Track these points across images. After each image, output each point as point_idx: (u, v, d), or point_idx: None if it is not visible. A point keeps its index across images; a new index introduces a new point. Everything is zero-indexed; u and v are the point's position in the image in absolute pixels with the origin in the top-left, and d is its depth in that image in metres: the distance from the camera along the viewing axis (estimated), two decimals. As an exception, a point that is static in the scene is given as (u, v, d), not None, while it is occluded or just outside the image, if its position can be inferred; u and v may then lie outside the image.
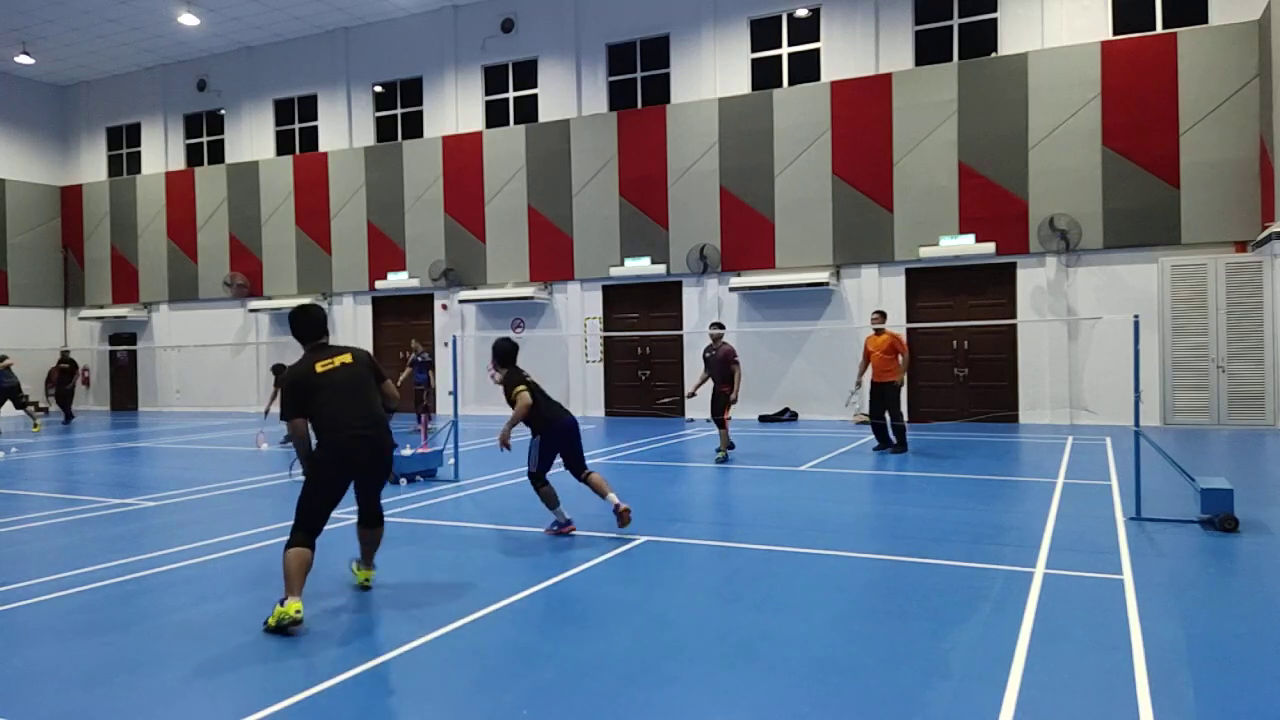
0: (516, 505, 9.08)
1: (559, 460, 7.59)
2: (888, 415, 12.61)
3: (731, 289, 18.31)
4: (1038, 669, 4.28)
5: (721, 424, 12.26)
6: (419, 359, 17.26)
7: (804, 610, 5.32)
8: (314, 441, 5.45)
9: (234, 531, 7.87)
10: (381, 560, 6.92)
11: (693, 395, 13.43)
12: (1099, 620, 4.99)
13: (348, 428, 5.38)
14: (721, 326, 12.95)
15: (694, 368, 18.95)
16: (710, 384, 12.56)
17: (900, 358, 12.62)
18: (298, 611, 4.95)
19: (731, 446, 12.58)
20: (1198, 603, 5.39)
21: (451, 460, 10.86)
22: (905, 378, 12.84)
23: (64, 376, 22.89)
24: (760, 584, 5.95)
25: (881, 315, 12.88)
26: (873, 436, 13.15)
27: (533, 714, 3.91)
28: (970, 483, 9.90)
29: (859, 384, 13.13)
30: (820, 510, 8.60)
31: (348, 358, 5.56)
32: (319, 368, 5.46)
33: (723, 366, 12.19)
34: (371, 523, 5.91)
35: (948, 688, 4.11)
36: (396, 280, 21.62)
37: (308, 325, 5.66)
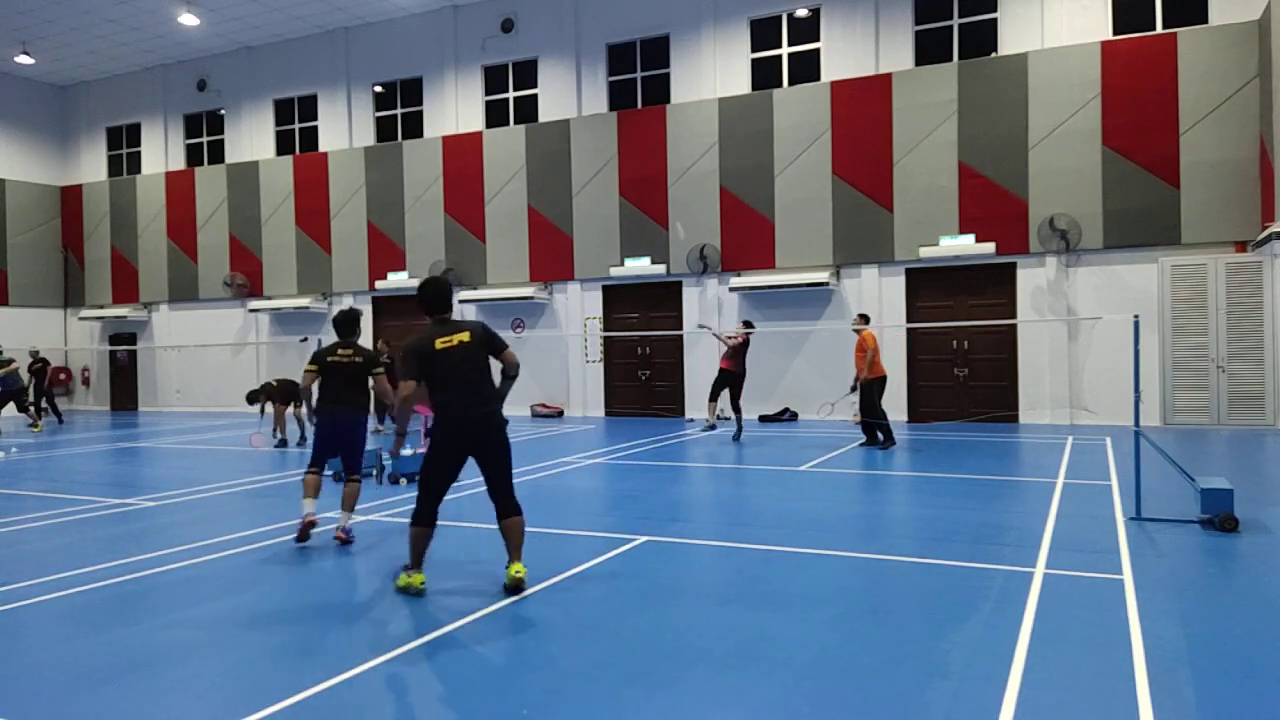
0: (516, 505, 9.07)
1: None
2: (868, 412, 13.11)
3: (731, 289, 18.31)
4: (1038, 669, 4.28)
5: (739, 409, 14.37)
6: (388, 360, 17.33)
7: (804, 610, 5.32)
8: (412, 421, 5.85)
9: (234, 531, 7.87)
10: (381, 560, 6.94)
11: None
12: (1099, 620, 4.99)
13: (459, 405, 5.58)
14: (751, 325, 14.97)
15: (694, 368, 18.97)
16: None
17: (865, 355, 13.05)
18: (421, 583, 5.67)
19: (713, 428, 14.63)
20: (1198, 603, 5.39)
21: (451, 460, 10.85)
22: (864, 375, 13.05)
23: (38, 378, 21.93)
24: (760, 584, 5.95)
25: (861, 318, 13.51)
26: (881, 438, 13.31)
27: (533, 714, 3.91)
28: (970, 483, 9.90)
29: (854, 387, 13.54)
30: (820, 510, 8.60)
31: (465, 336, 5.69)
32: (438, 344, 5.64)
33: (736, 350, 14.13)
34: (506, 512, 5.77)
35: (948, 688, 4.11)
36: (396, 280, 21.62)
37: (435, 298, 5.85)
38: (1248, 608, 5.26)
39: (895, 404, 17.42)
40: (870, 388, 12.95)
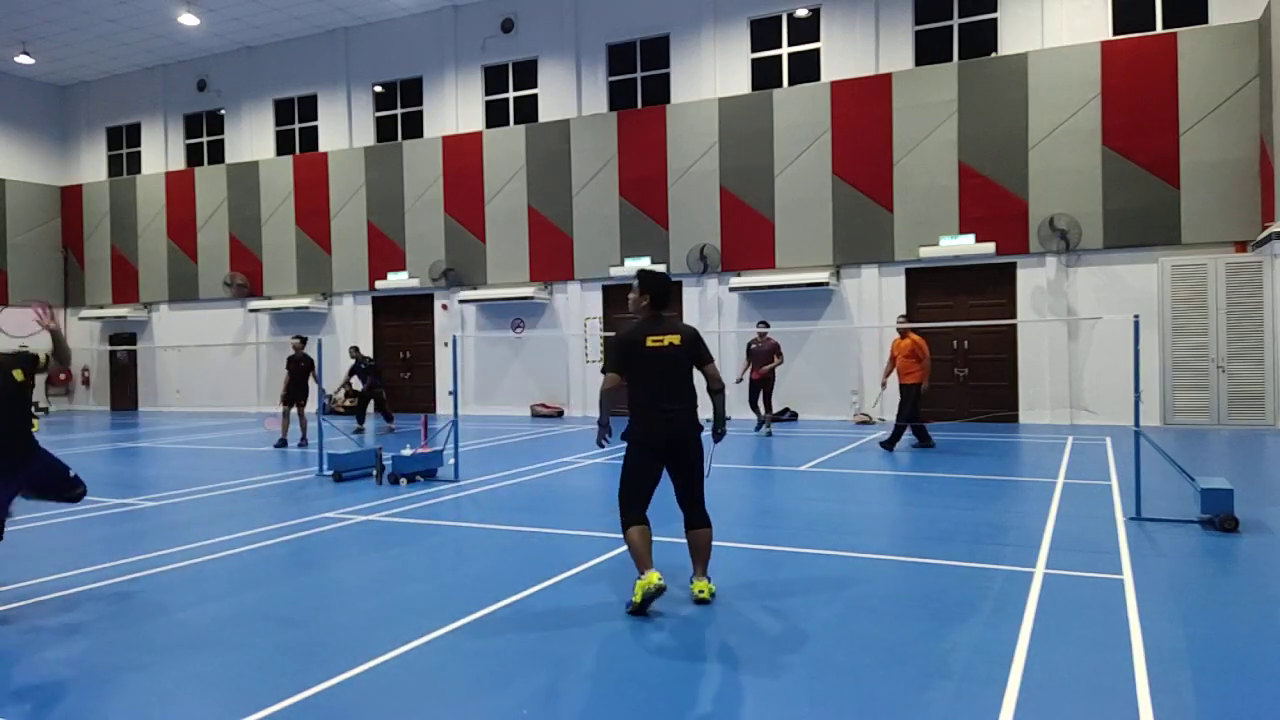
0: (516, 505, 9.08)
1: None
2: (899, 413, 12.79)
3: (731, 289, 18.31)
4: (1038, 669, 4.28)
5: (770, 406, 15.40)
6: (360, 367, 17.39)
7: (804, 610, 5.32)
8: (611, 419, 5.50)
9: (234, 531, 7.87)
10: (381, 560, 6.94)
11: (740, 381, 15.78)
12: (1099, 620, 4.99)
13: (655, 407, 5.41)
14: (767, 325, 15.76)
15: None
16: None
17: (921, 361, 12.62)
18: (659, 578, 5.17)
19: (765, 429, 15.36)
20: (1198, 603, 5.39)
21: (451, 460, 10.86)
22: (926, 382, 12.78)
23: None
24: (760, 583, 5.95)
25: (904, 318, 13.40)
26: (924, 443, 12.94)
27: (533, 714, 3.91)
28: (970, 483, 9.90)
29: (884, 385, 13.90)
30: (820, 510, 8.60)
31: (676, 338, 5.50)
32: (649, 341, 5.46)
33: (767, 358, 15.38)
34: (694, 523, 5.54)
35: (948, 688, 4.11)
36: (396, 280, 21.62)
37: (659, 293, 5.63)
38: (1248, 608, 5.26)
39: (896, 405, 17.40)
40: (917, 392, 12.65)
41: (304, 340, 15.17)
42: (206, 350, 24.16)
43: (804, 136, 17.93)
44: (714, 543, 6.89)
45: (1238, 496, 7.34)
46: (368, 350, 21.27)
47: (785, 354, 18.30)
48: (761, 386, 15.42)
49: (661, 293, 5.64)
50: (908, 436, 13.29)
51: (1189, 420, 15.23)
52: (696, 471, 5.53)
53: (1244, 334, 14.93)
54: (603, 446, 5.55)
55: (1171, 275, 15.35)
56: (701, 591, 5.43)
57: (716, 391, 5.54)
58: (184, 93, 24.72)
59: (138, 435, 17.91)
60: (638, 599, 5.17)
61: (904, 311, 13.55)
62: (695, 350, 5.54)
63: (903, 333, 12.84)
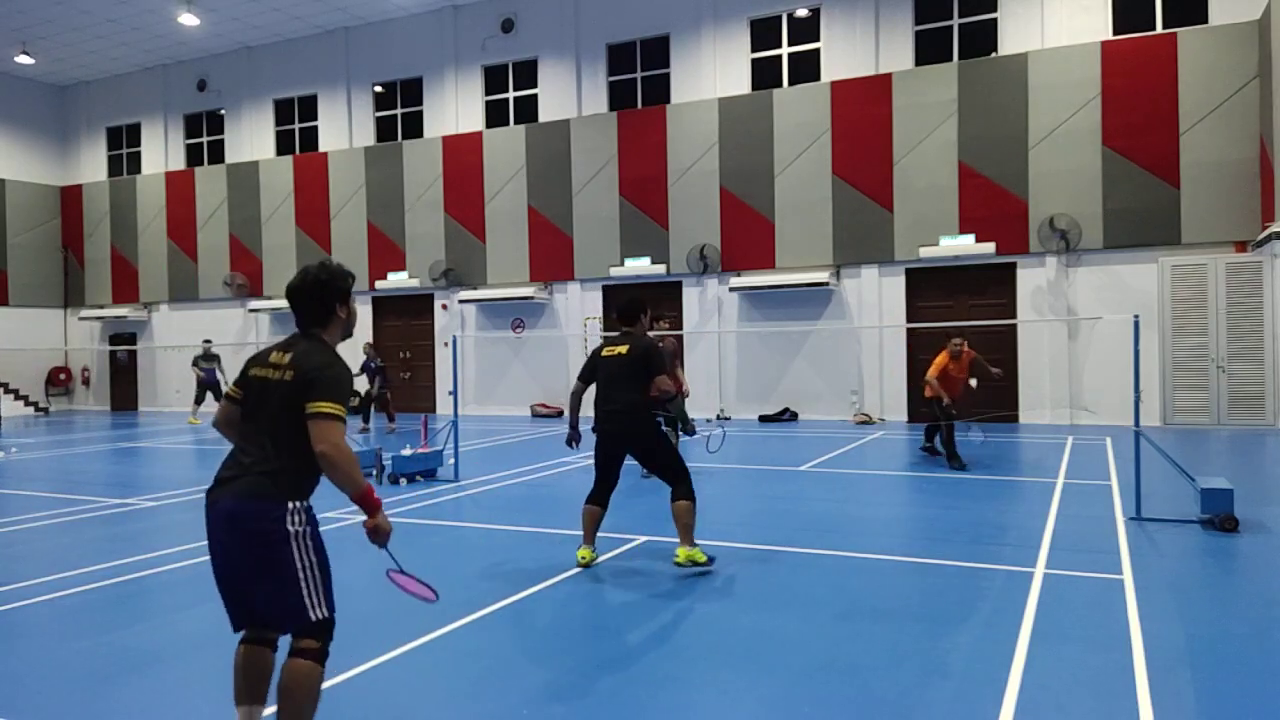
0: (516, 505, 9.08)
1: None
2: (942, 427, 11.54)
3: (731, 289, 18.30)
4: (1038, 669, 4.28)
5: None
6: (371, 365, 17.42)
7: (804, 610, 5.32)
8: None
9: (234, 531, 7.85)
10: (378, 560, 6.92)
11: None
12: (1099, 620, 4.99)
13: (603, 405, 6.36)
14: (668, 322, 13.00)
15: (694, 367, 18.96)
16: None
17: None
18: (583, 558, 6.32)
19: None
20: (1198, 603, 5.39)
21: (451, 460, 10.86)
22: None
23: None
24: (760, 583, 5.95)
25: (962, 338, 11.62)
26: (929, 451, 12.18)
27: (532, 714, 3.91)
28: (970, 483, 9.90)
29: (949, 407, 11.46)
30: (820, 510, 8.60)
31: (624, 349, 6.37)
32: (605, 351, 6.48)
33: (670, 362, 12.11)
34: (672, 496, 6.25)
35: (948, 688, 4.11)
36: (396, 280, 21.62)
37: (622, 312, 6.55)
38: (1248, 608, 5.26)
39: (896, 404, 17.43)
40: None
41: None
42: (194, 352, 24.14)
43: (804, 136, 17.93)
44: (715, 542, 6.90)
45: (1238, 496, 7.33)
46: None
47: (785, 355, 18.32)
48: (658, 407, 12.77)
49: (621, 314, 6.59)
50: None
51: (1189, 420, 15.23)
52: (655, 456, 6.36)
53: (1244, 334, 14.93)
54: (572, 447, 6.63)
55: (1171, 275, 15.34)
56: (676, 556, 6.21)
57: (660, 397, 6.38)
58: (184, 93, 24.72)
59: (137, 435, 17.91)
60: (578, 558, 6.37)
61: (960, 337, 11.65)
62: (645, 360, 6.31)
63: (958, 353, 11.46)
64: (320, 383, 3.13)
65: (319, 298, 3.37)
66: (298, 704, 3.10)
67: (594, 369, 6.49)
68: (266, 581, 3.12)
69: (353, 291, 3.50)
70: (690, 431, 7.66)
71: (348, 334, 3.53)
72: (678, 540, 6.34)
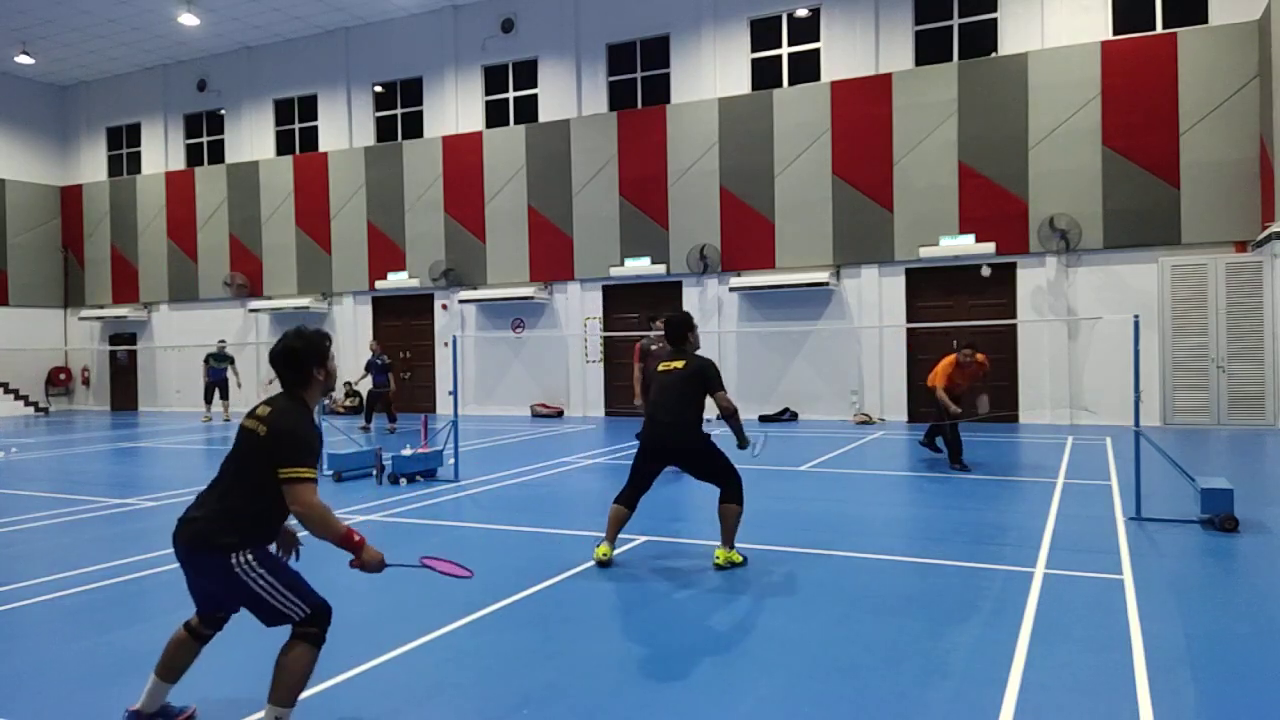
0: (516, 505, 9.08)
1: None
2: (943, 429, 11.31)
3: (731, 289, 18.31)
4: (1038, 669, 4.28)
5: None
6: (376, 362, 17.41)
7: (804, 610, 5.32)
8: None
9: (234, 531, 7.86)
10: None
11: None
12: (1099, 620, 4.99)
13: (653, 418, 6.55)
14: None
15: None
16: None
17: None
18: (603, 554, 6.37)
19: None
20: (1198, 603, 5.39)
21: (451, 460, 10.86)
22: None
23: None
24: (760, 583, 5.95)
25: (972, 346, 11.16)
26: (929, 447, 11.88)
27: (533, 714, 3.91)
28: (970, 483, 9.90)
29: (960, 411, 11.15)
30: (820, 510, 8.60)
31: (679, 363, 6.57)
32: (662, 366, 6.71)
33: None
34: (722, 498, 6.41)
35: (948, 688, 4.11)
36: (396, 280, 21.62)
37: (670, 330, 6.73)
38: (1248, 608, 5.26)
39: (896, 405, 17.43)
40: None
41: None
42: (206, 350, 24.13)
43: (804, 136, 17.93)
44: (715, 542, 6.89)
45: (1238, 496, 7.33)
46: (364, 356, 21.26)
47: (785, 355, 18.32)
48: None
49: (668, 333, 6.78)
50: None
51: (1189, 420, 15.23)
52: (705, 467, 6.51)
53: (1244, 334, 14.93)
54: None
55: (1171, 275, 15.34)
56: (716, 557, 6.31)
57: (725, 414, 6.38)
58: (184, 93, 24.72)
59: (137, 435, 17.91)
60: (595, 555, 6.45)
61: (970, 342, 11.20)
62: (699, 378, 6.45)
63: (967, 363, 11.01)
64: (289, 447, 3.47)
65: (296, 365, 3.69)
66: (290, 678, 3.52)
67: (650, 381, 6.75)
68: (243, 601, 3.57)
69: (330, 352, 3.77)
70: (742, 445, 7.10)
71: (328, 390, 3.84)
72: (720, 541, 6.44)
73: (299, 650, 3.55)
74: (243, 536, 3.51)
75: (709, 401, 6.48)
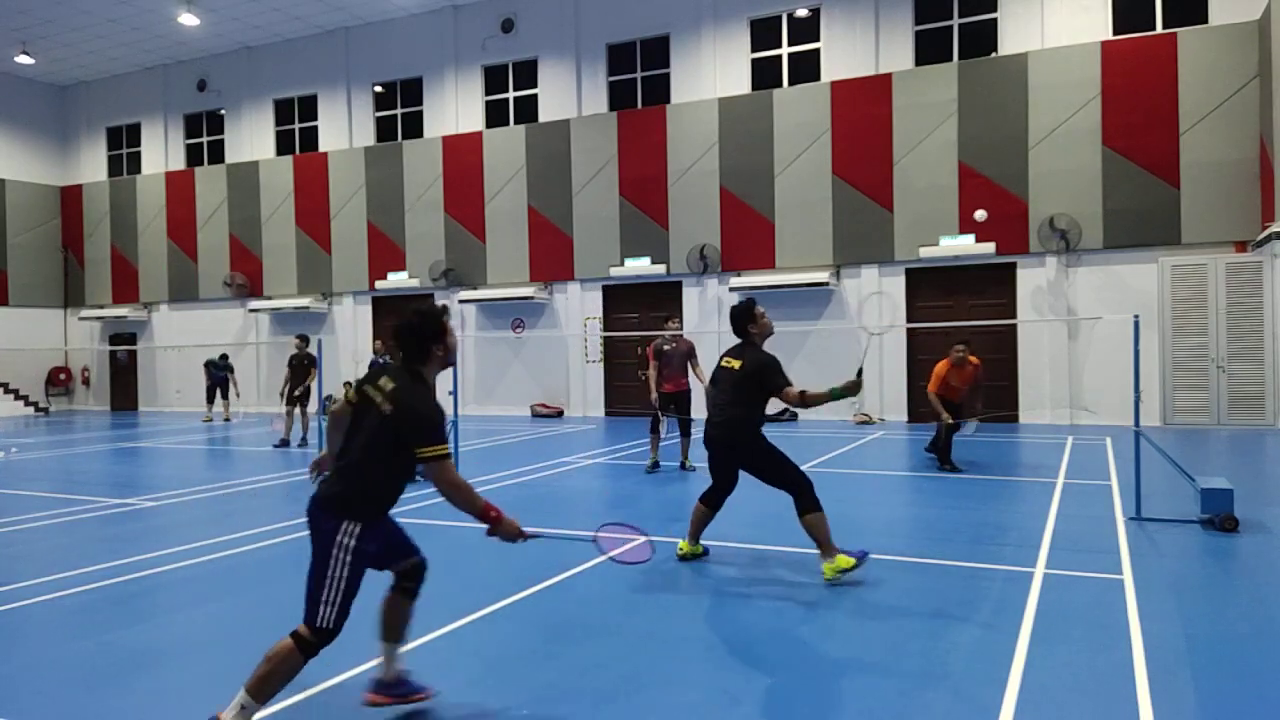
0: (516, 505, 9.07)
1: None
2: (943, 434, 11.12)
3: (731, 289, 18.30)
4: (1038, 669, 4.28)
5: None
6: (379, 360, 17.34)
7: (804, 610, 5.32)
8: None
9: (234, 531, 7.87)
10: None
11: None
12: (1099, 620, 4.99)
13: (710, 415, 6.41)
14: (679, 322, 12.26)
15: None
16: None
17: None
18: (682, 549, 6.50)
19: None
20: (1198, 603, 5.39)
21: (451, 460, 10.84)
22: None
23: None
24: (760, 583, 5.95)
25: (965, 344, 10.97)
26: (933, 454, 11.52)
27: (533, 714, 3.91)
28: (970, 483, 9.90)
29: (955, 421, 10.93)
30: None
31: (737, 363, 6.26)
32: (723, 361, 6.41)
33: (683, 363, 11.54)
34: (797, 510, 6.06)
35: (948, 688, 4.11)
36: (396, 280, 21.62)
37: (733, 321, 6.41)
38: (1248, 608, 5.26)
39: (896, 405, 17.44)
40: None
41: (306, 339, 15.08)
42: (206, 350, 24.11)
43: (804, 136, 17.93)
44: (715, 542, 6.90)
45: (1238, 496, 7.33)
46: (367, 355, 21.27)
47: (785, 355, 18.22)
48: (674, 402, 11.53)
49: (733, 324, 6.43)
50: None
51: (1189, 420, 15.23)
52: (763, 472, 6.21)
53: (1244, 334, 14.93)
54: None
55: (1171, 275, 15.34)
56: (824, 573, 5.91)
57: (796, 404, 6.10)
58: (184, 93, 24.72)
59: (138, 435, 17.91)
60: (680, 551, 6.54)
61: (963, 341, 11.08)
62: (757, 376, 6.14)
63: (962, 363, 10.86)
64: (421, 428, 3.65)
65: (416, 340, 3.82)
66: (272, 674, 3.56)
67: (714, 376, 6.54)
68: (312, 570, 3.65)
69: (450, 327, 3.91)
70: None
71: (448, 364, 3.95)
72: (685, 538, 6.44)
73: (291, 652, 3.58)
74: (358, 507, 3.68)
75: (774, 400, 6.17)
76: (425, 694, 3.97)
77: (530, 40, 20.48)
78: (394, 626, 4.00)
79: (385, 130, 22.40)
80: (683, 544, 6.50)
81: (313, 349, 14.94)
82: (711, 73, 18.80)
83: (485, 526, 3.89)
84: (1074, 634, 4.76)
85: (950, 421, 10.71)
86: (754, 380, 6.14)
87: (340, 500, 3.65)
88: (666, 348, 11.48)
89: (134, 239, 25.52)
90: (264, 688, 3.53)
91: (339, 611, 3.64)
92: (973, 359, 11.00)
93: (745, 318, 6.34)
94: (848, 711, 3.89)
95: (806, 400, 5.94)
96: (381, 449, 3.67)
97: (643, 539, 4.15)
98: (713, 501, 6.50)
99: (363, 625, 5.22)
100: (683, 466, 11.43)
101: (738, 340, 6.41)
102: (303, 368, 14.90)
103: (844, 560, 5.87)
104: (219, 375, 21.11)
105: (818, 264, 17.86)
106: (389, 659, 3.96)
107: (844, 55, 17.80)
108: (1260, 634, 4.76)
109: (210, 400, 21.19)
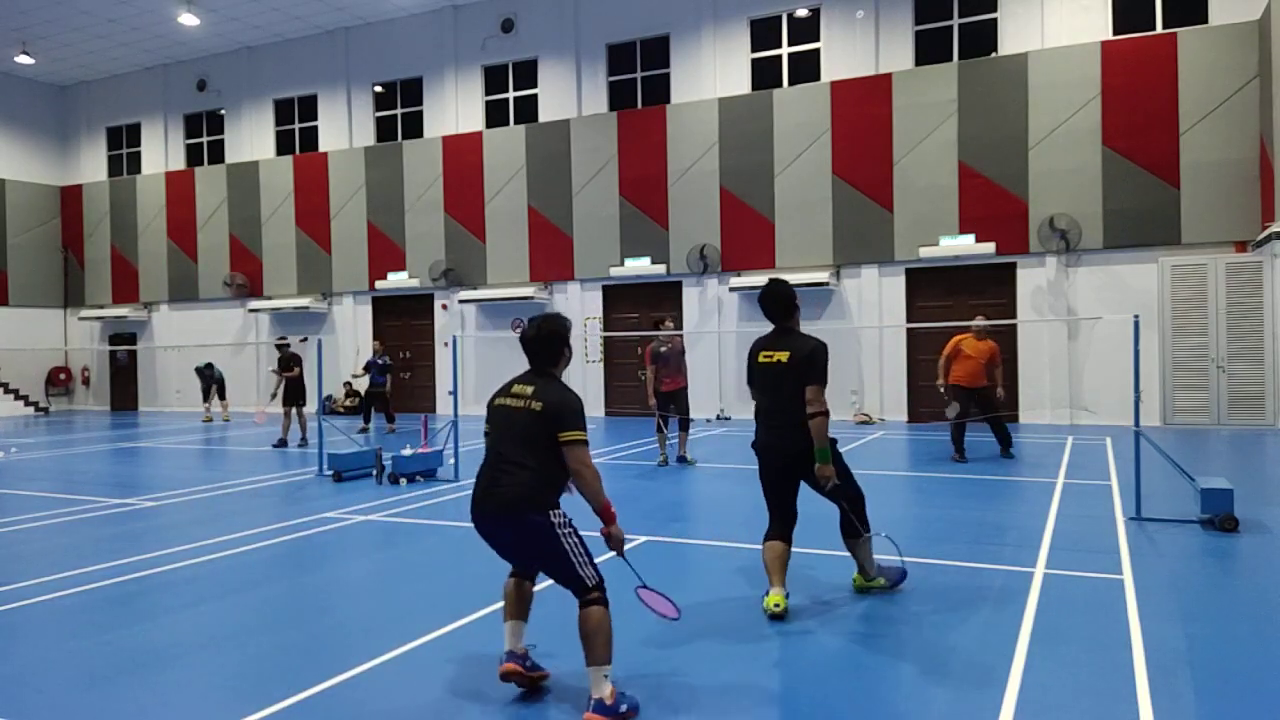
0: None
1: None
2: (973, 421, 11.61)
3: (731, 289, 18.30)
4: (1038, 669, 4.28)
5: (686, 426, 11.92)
6: (377, 361, 17.40)
7: (803, 610, 5.31)
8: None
9: (234, 531, 7.87)
10: (380, 560, 6.94)
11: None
12: (1099, 620, 4.99)
13: (764, 421, 5.45)
14: (673, 322, 12.84)
15: (694, 367, 18.92)
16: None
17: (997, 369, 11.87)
18: (775, 604, 5.13)
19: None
20: (1198, 603, 5.39)
21: (451, 460, 10.86)
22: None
23: None
24: (760, 584, 5.95)
25: (986, 317, 11.10)
26: (949, 445, 11.92)
27: (533, 714, 3.91)
28: (970, 483, 9.90)
29: (946, 387, 11.75)
30: (820, 510, 8.57)
31: (784, 355, 5.37)
32: (760, 357, 5.51)
33: (679, 363, 11.72)
34: (843, 533, 5.62)
35: (948, 687, 4.10)
36: (396, 280, 21.62)
37: (769, 305, 5.58)
38: (1248, 608, 5.26)
39: (896, 404, 17.44)
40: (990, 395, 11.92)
41: (286, 340, 15.59)
42: (206, 350, 24.13)
43: (804, 136, 17.93)
44: (715, 542, 6.90)
45: (1238, 496, 7.33)
46: (368, 350, 21.27)
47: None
48: (673, 400, 11.69)
49: (768, 309, 5.55)
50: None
51: (1189, 420, 15.23)
52: (819, 485, 5.44)
53: (1244, 334, 14.93)
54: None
55: (1171, 275, 15.34)
56: (854, 581, 5.74)
57: (810, 416, 5.17)
58: (184, 93, 24.72)
59: (138, 435, 17.91)
60: (766, 608, 5.20)
61: (984, 315, 11.37)
62: (804, 368, 5.25)
63: (981, 334, 11.63)
64: (568, 415, 3.99)
65: (550, 346, 4.20)
66: (598, 639, 3.89)
67: (751, 374, 5.52)
68: (548, 559, 4.00)
69: (570, 330, 4.31)
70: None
71: (568, 363, 4.32)
72: (771, 591, 5.37)
73: (598, 614, 3.92)
74: (552, 498, 4.04)
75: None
76: (545, 674, 4.25)
77: (530, 40, 20.48)
78: (522, 605, 4.26)
79: (385, 130, 22.40)
80: (774, 597, 5.16)
81: (311, 349, 15.04)
82: (711, 73, 18.80)
83: (601, 526, 4.12)
84: (1074, 634, 4.76)
85: (953, 402, 11.35)
86: (804, 370, 5.23)
87: (528, 500, 3.97)
88: (663, 349, 11.67)
89: (134, 239, 25.52)
90: (606, 651, 3.85)
91: (594, 566, 4.05)
92: (991, 340, 11.77)
93: (789, 302, 5.49)
94: (848, 711, 3.89)
95: (821, 419, 5.17)
96: (544, 440, 3.98)
97: (677, 614, 4.28)
98: (780, 533, 5.43)
99: (357, 628, 5.23)
100: (681, 459, 11.90)
101: (774, 327, 5.54)
102: (287, 368, 15.10)
103: (878, 581, 5.67)
104: (207, 379, 21.34)
105: (818, 264, 17.86)
106: (518, 635, 4.21)
107: (844, 55, 17.79)
108: (1260, 634, 4.76)
109: (206, 399, 21.32)
